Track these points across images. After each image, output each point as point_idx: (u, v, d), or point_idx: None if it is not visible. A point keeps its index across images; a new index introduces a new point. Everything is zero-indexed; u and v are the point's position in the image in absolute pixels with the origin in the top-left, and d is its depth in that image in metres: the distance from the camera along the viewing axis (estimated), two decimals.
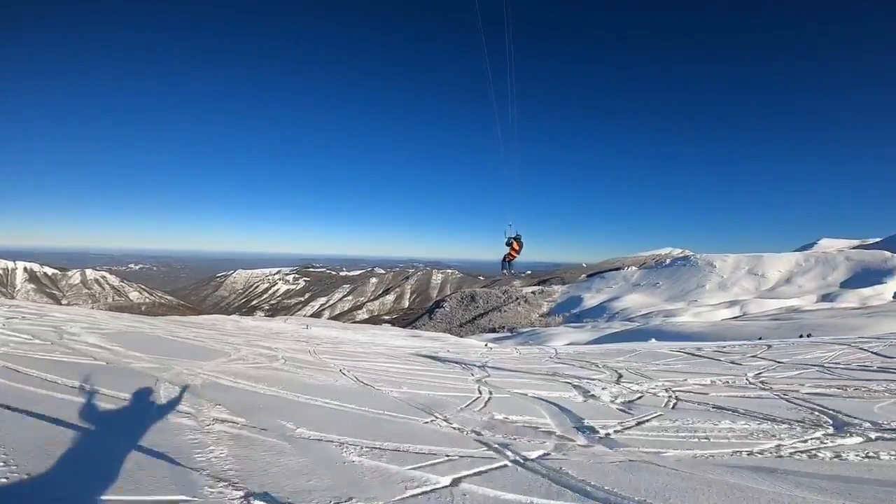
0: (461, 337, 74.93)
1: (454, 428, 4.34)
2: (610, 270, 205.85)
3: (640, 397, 6.68)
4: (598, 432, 4.48)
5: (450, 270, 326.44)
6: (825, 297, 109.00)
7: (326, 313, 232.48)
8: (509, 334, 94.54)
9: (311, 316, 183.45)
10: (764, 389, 7.60)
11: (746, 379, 8.77)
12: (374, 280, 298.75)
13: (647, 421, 5.05)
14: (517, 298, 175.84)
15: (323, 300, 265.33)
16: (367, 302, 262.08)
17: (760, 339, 28.97)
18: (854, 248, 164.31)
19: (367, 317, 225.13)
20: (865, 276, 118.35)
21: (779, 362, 12.31)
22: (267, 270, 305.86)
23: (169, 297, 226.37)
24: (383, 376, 7.57)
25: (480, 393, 6.50)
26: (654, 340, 27.10)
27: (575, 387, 7.69)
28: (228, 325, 28.84)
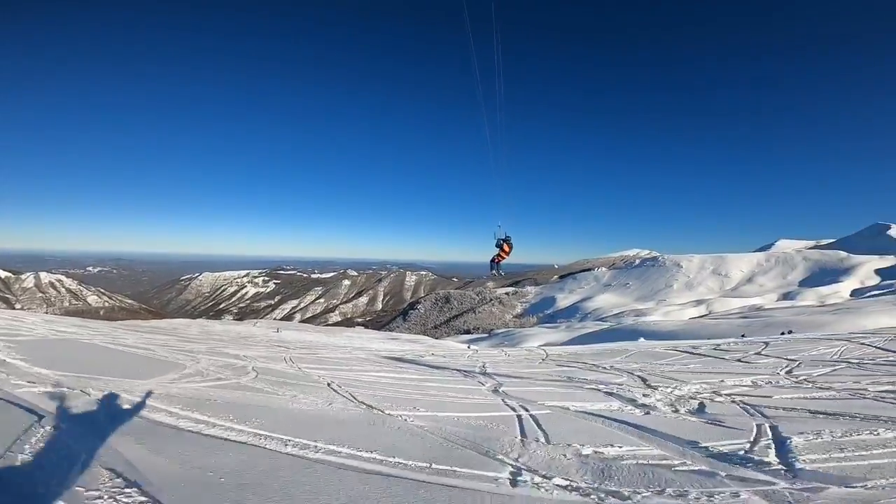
0: (436, 339, 73.53)
1: (566, 487, 2.84)
2: (581, 271, 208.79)
3: (700, 405, 5.54)
4: (764, 462, 3.31)
5: (423, 272, 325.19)
6: (786, 296, 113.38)
7: (298, 316, 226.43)
8: (486, 335, 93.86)
9: (282, 319, 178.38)
10: (823, 389, 6.68)
11: (788, 378, 7.86)
12: (346, 282, 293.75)
13: (787, 438, 3.94)
14: (491, 300, 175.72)
15: (294, 303, 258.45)
16: (339, 304, 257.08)
17: (743, 336, 28.94)
18: (810, 248, 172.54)
19: (339, 319, 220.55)
20: (823, 275, 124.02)
21: (789, 359, 11.57)
22: (235, 273, 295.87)
23: (130, 301, 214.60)
24: (384, 391, 6.10)
25: (514, 410, 5.17)
26: (642, 340, 26.54)
27: (609, 394, 6.52)
28: (193, 329, 26.64)
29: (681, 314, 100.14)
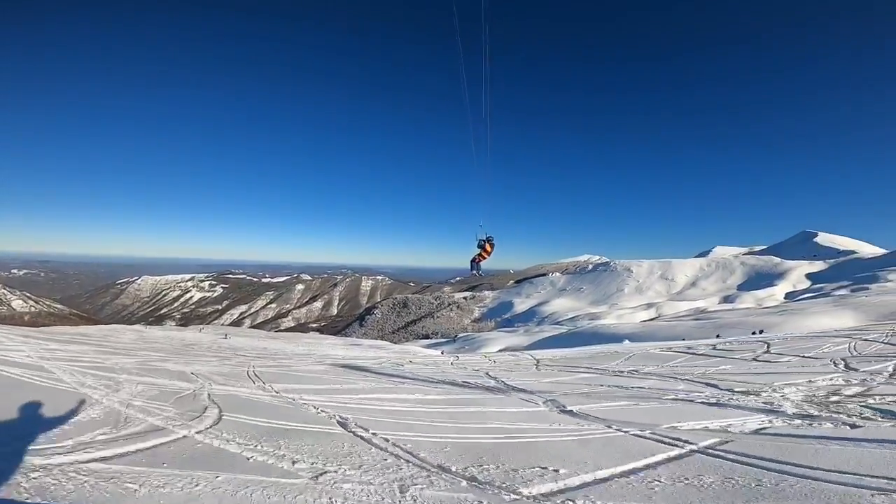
0: (395, 343, 71.05)
1: None
2: (537, 276, 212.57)
3: (876, 411, 3.99)
4: None
5: (380, 277, 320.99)
6: (726, 299, 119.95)
7: (247, 322, 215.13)
8: (451, 340, 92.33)
9: (231, 325, 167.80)
10: None
11: (872, 376, 6.71)
12: (300, 287, 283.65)
13: None
14: (449, 304, 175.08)
15: (243, 308, 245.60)
16: (292, 309, 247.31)
17: (718, 336, 29.04)
18: (744, 254, 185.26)
19: (293, 325, 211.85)
20: (759, 279, 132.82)
21: (806, 357, 10.95)
22: (178, 277, 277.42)
23: (59, 306, 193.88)
24: (442, 432, 3.91)
25: (673, 445, 3.39)
26: (627, 342, 25.77)
27: (718, 405, 4.90)
28: (127, 335, 23.14)
29: (633, 317, 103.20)
